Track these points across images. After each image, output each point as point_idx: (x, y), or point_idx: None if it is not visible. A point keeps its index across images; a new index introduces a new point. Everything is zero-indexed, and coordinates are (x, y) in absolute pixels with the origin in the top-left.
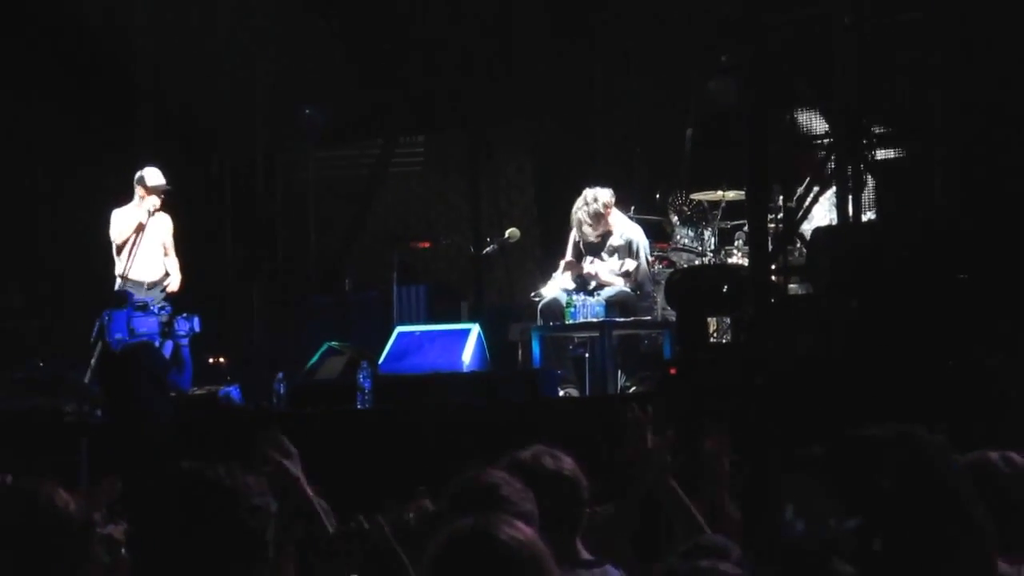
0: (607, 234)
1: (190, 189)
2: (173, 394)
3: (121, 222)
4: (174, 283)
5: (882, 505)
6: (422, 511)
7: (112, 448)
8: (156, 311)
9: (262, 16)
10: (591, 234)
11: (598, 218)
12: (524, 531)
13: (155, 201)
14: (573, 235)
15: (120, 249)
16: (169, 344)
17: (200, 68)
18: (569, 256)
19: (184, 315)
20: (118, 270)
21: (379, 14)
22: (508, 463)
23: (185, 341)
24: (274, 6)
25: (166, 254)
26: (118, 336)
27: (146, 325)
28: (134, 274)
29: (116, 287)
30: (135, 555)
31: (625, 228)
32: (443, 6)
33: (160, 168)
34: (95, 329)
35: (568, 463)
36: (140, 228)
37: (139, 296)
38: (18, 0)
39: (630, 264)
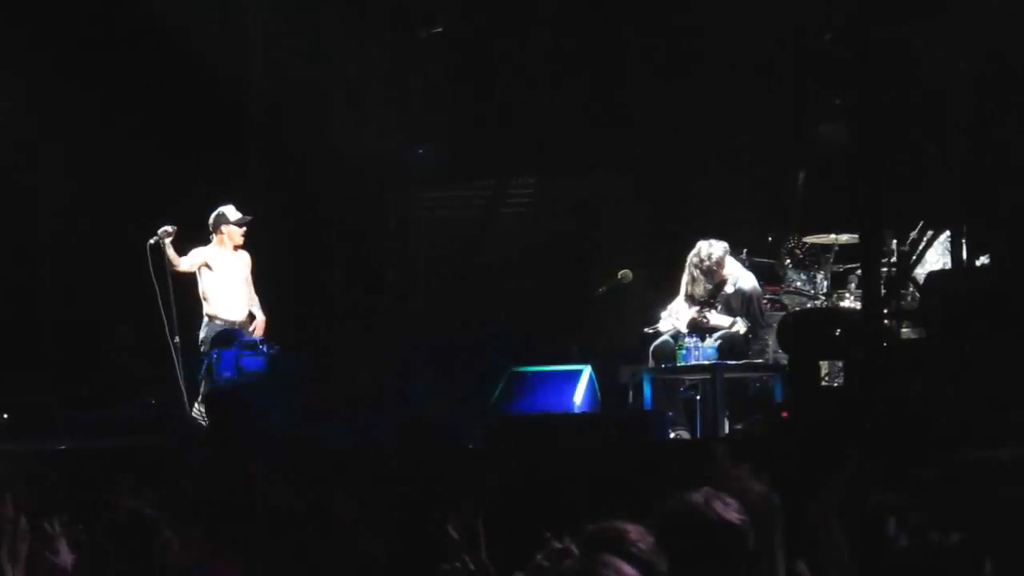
0: (721, 283)
1: (301, 227)
2: (279, 434)
3: (208, 259)
4: (260, 327)
5: (999, 527)
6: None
7: (215, 486)
8: (265, 350)
9: (375, 54)
10: (703, 289)
11: (712, 274)
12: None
13: (239, 236)
14: (686, 277)
15: (207, 288)
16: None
17: (312, 106)
18: (682, 297)
19: (292, 354)
20: (207, 311)
21: (492, 55)
22: (674, 506)
23: (293, 380)
24: (387, 45)
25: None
26: (227, 375)
27: (254, 364)
28: (225, 314)
29: (204, 325)
30: None
31: (738, 277)
32: (556, 50)
33: (271, 206)
34: (203, 367)
35: (736, 509)
36: (227, 265)
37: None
38: (126, 37)
39: (740, 325)
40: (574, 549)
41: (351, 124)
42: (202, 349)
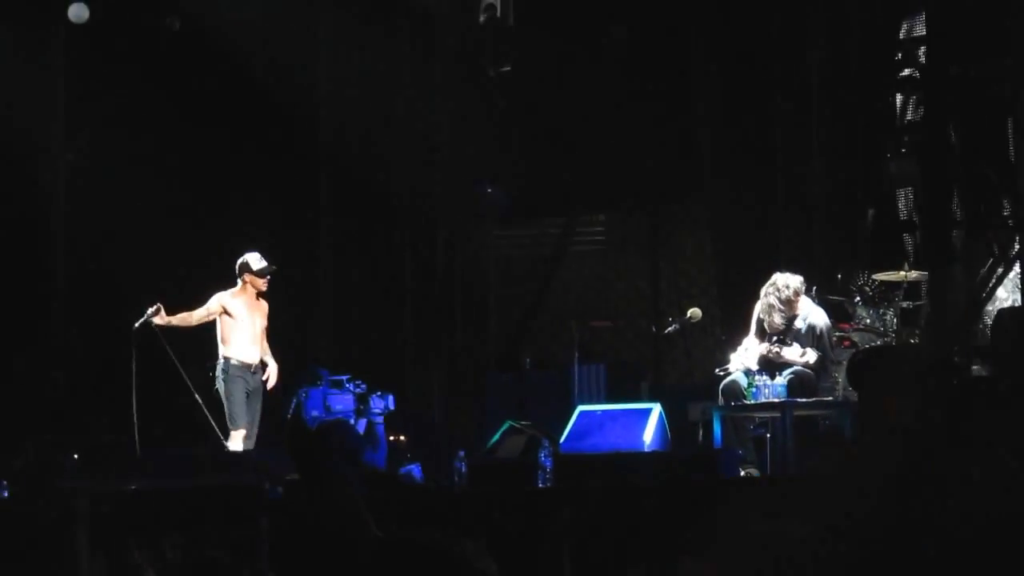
0: (793, 318)
1: (372, 266)
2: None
3: (228, 305)
4: (273, 375)
5: None
6: None
7: (292, 524)
8: (352, 388)
9: (444, 95)
10: (780, 320)
11: (789, 305)
12: None
13: (262, 284)
14: (758, 313)
15: (225, 332)
16: (363, 421)
17: (382, 145)
18: (753, 334)
19: (379, 393)
20: (224, 353)
21: (559, 93)
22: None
23: (380, 419)
24: (456, 85)
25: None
26: (314, 413)
27: (342, 402)
28: (241, 356)
29: (219, 366)
30: None
31: (809, 312)
32: (625, 87)
33: (342, 245)
34: (291, 406)
35: None
36: (246, 312)
37: (250, 378)
38: (204, 75)
39: (811, 355)
40: None
41: (421, 164)
42: (219, 385)
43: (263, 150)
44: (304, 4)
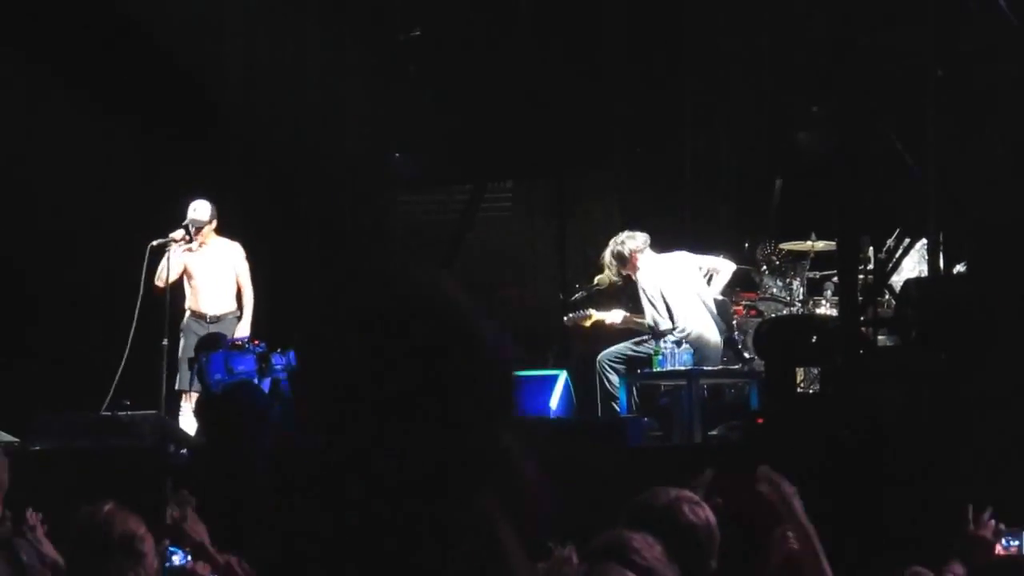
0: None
1: (276, 232)
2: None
3: (175, 257)
4: (243, 328)
5: None
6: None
7: (198, 486)
8: (252, 348)
9: (353, 59)
10: (611, 276)
11: (621, 260)
12: None
13: (201, 233)
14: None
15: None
16: (267, 381)
17: (289, 111)
18: None
19: (279, 350)
20: (186, 304)
21: (469, 60)
22: (641, 505)
23: (283, 375)
24: (365, 50)
25: (239, 287)
26: (217, 377)
27: (243, 363)
28: (198, 306)
29: (184, 319)
30: None
31: (642, 275)
32: (534, 54)
33: (247, 210)
34: (192, 372)
35: (706, 514)
36: (199, 263)
37: (201, 329)
38: (110, 34)
39: (616, 316)
40: (574, 558)
41: (328, 129)
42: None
43: (167, 119)
44: None
